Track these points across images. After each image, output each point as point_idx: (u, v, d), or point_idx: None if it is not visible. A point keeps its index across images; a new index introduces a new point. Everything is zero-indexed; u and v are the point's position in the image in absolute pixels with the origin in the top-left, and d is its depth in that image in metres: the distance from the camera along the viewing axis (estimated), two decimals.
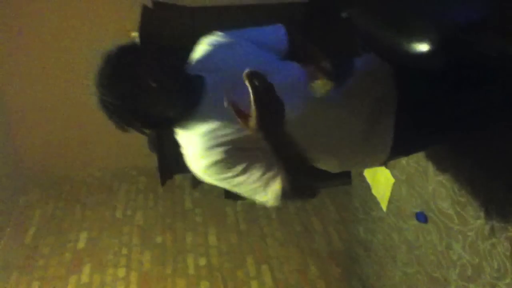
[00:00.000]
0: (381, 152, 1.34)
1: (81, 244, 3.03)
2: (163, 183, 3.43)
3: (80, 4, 3.03)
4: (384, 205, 2.18)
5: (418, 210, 1.88)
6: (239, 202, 3.33)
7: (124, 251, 2.98)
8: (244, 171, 1.19)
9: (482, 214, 1.43)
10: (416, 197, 1.89)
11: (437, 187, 1.71)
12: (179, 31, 2.78)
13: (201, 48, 1.38)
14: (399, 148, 1.33)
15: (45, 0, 3.00)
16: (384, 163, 1.45)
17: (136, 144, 3.44)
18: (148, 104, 1.20)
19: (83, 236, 3.10)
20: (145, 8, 2.87)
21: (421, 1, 1.20)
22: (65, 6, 3.03)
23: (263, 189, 1.20)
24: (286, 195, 1.19)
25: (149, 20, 2.73)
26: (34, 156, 3.55)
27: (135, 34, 2.79)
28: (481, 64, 1.12)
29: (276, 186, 1.18)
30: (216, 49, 1.37)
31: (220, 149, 1.17)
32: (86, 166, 3.66)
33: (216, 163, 1.18)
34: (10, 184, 3.38)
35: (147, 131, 1.33)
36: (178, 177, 3.54)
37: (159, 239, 3.07)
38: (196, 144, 1.20)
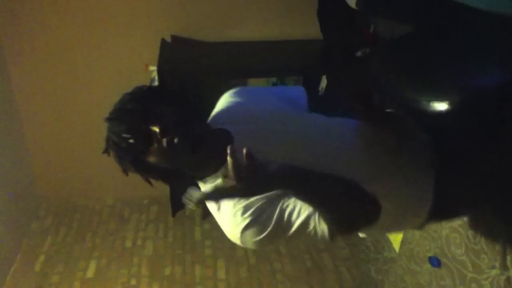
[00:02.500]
0: (418, 215, 1.31)
1: (90, 273, 3.03)
2: (173, 213, 3.45)
3: (99, 36, 3.10)
4: (396, 246, 2.16)
5: (431, 254, 1.87)
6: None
7: (133, 282, 2.97)
8: (279, 223, 1.15)
9: (497, 264, 1.42)
10: (429, 240, 1.87)
11: (450, 232, 1.70)
12: (196, 66, 2.84)
13: (224, 101, 1.39)
14: (439, 208, 1.30)
15: (65, 32, 3.06)
16: (421, 226, 1.41)
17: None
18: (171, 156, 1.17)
19: (93, 265, 3.09)
20: (163, 42, 2.94)
21: (444, 59, 1.22)
22: (84, 38, 3.10)
23: (313, 230, 1.16)
24: (335, 232, 1.14)
25: (167, 54, 2.79)
26: (49, 182, 3.59)
27: (153, 68, 2.85)
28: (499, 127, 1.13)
29: (322, 225, 1.15)
30: (240, 101, 1.37)
31: (249, 212, 1.15)
32: (98, 194, 3.68)
33: (248, 227, 1.15)
34: (23, 209, 3.41)
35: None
36: (188, 209, 3.56)
37: (167, 271, 3.05)
38: (225, 211, 1.19)
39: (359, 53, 2.40)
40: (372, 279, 2.44)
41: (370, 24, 2.52)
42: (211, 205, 1.23)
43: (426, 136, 1.34)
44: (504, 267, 1.36)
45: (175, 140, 1.15)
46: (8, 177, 3.15)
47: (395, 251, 2.16)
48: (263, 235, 1.14)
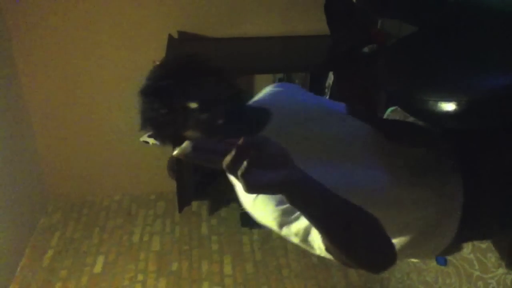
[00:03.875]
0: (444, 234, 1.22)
1: (98, 268, 3.05)
2: (180, 209, 3.46)
3: (107, 33, 3.10)
4: None
5: None
6: (255, 230, 3.33)
7: (140, 277, 2.99)
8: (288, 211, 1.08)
9: (504, 263, 1.41)
10: None
11: None
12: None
13: (269, 89, 1.39)
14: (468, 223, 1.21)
15: (73, 30, 3.07)
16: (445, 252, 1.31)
17: (155, 169, 3.49)
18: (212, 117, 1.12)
19: (100, 260, 3.12)
20: (170, 38, 2.94)
21: (452, 59, 1.20)
22: (92, 36, 3.11)
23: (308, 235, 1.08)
24: (330, 250, 1.02)
25: (174, 50, 2.79)
26: (57, 178, 3.62)
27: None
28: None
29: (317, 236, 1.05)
30: (280, 91, 1.37)
31: None
32: (106, 190, 3.70)
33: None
34: (32, 205, 3.44)
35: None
36: (195, 204, 3.57)
37: (174, 266, 3.07)
38: None
39: (366, 49, 2.39)
40: (378, 276, 2.44)
41: (377, 21, 2.51)
42: None
43: (444, 144, 1.29)
44: (510, 266, 1.35)
45: (215, 116, 1.11)
46: (17, 173, 3.17)
47: None
48: (272, 208, 1.09)
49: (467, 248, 1.63)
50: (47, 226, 3.44)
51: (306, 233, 1.07)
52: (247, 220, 3.33)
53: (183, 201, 3.40)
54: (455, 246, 1.28)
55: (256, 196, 1.10)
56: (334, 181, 0.94)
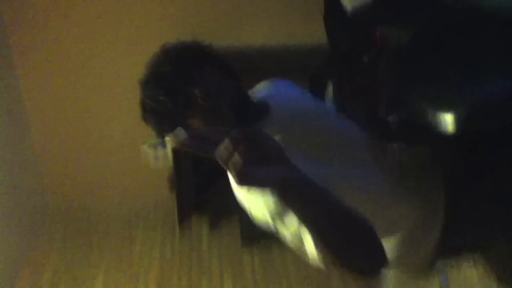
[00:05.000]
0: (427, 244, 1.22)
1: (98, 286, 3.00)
2: (180, 223, 3.40)
3: (105, 39, 3.09)
4: None
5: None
6: (255, 250, 3.23)
7: None
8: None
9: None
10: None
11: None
12: None
13: (265, 84, 1.41)
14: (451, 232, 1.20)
15: (72, 37, 3.06)
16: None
17: (155, 183, 3.43)
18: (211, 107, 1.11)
19: (100, 278, 3.06)
20: None
21: (451, 69, 1.18)
22: (90, 42, 3.09)
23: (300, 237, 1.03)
24: (323, 259, 0.97)
25: None
26: (56, 191, 3.59)
27: None
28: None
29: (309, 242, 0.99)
30: (276, 87, 1.38)
31: None
32: (105, 203, 3.65)
33: None
34: (31, 219, 3.40)
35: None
36: (195, 220, 3.48)
37: (175, 283, 3.01)
38: None
39: (365, 58, 2.31)
40: None
41: (376, 28, 2.44)
42: None
43: (434, 153, 1.27)
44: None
45: (217, 104, 1.11)
46: (18, 189, 3.15)
47: None
48: (268, 197, 1.05)
49: (469, 270, 1.55)
50: (46, 238, 3.39)
51: (299, 229, 1.03)
52: (248, 237, 3.24)
53: (183, 215, 3.35)
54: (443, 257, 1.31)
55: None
56: (327, 178, 0.93)
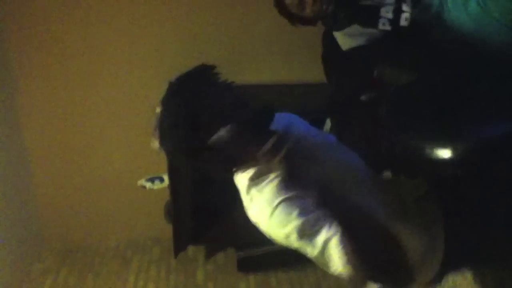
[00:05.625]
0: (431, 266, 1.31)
1: None
2: (176, 254, 3.40)
3: (105, 73, 3.16)
4: None
5: None
6: (252, 277, 3.26)
7: None
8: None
9: None
10: None
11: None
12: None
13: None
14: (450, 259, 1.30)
15: (72, 69, 3.12)
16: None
17: (152, 214, 3.46)
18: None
19: None
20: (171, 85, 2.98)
21: (449, 107, 1.24)
22: (90, 76, 3.16)
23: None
24: (351, 262, 1.11)
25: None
26: (52, 222, 3.57)
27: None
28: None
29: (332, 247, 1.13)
30: (283, 118, 1.44)
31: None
32: (101, 235, 3.65)
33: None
34: (26, 249, 3.38)
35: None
36: (191, 249, 3.51)
37: None
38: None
39: (363, 97, 2.41)
40: None
41: (374, 69, 2.55)
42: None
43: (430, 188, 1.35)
44: None
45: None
46: (12, 216, 3.14)
47: None
48: (294, 217, 1.14)
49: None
50: (40, 271, 3.37)
51: (325, 246, 1.12)
52: (245, 265, 3.28)
53: (179, 246, 3.36)
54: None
55: (277, 205, 1.15)
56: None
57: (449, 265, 1.32)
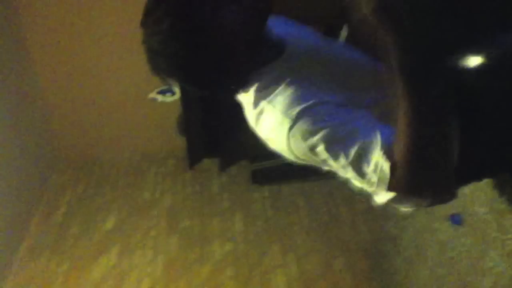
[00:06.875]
0: None
1: (109, 225, 3.08)
2: (191, 166, 3.44)
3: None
4: None
5: (453, 212, 1.82)
6: (266, 188, 3.31)
7: (152, 233, 3.01)
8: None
9: None
10: None
11: (475, 190, 1.65)
12: None
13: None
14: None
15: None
16: None
17: (165, 126, 3.46)
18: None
19: (112, 217, 3.14)
20: None
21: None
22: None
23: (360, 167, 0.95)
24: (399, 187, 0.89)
25: None
26: (68, 137, 3.61)
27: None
28: None
29: (382, 168, 0.91)
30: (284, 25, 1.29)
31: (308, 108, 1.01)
32: (116, 148, 3.69)
33: (303, 124, 1.00)
34: (42, 163, 3.45)
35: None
36: (206, 161, 3.54)
37: (186, 223, 3.08)
38: (275, 107, 1.06)
39: None
40: (391, 234, 2.43)
41: None
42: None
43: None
44: None
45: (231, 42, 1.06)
46: (27, 131, 3.17)
47: None
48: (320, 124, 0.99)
49: (485, 208, 1.58)
50: (58, 183, 3.46)
51: (362, 150, 0.95)
52: (259, 177, 3.32)
53: (194, 158, 3.39)
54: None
55: (297, 115, 1.02)
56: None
57: (466, 176, 1.23)
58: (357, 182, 1.02)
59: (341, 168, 1.01)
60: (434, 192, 0.91)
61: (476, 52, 1.05)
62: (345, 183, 1.11)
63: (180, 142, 3.30)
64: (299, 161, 1.12)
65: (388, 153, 0.91)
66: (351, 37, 2.59)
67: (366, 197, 1.04)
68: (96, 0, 3.07)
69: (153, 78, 1.25)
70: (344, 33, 2.72)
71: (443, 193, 0.93)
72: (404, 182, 0.90)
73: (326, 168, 1.09)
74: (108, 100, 3.45)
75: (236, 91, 1.17)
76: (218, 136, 3.35)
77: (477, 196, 1.64)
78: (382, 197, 0.96)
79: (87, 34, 3.19)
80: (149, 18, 1.06)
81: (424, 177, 0.89)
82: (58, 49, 3.23)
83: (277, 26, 1.21)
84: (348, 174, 1.01)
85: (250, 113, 1.15)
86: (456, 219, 1.79)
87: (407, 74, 0.83)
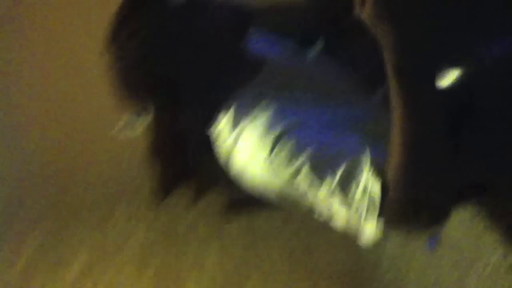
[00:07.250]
0: None
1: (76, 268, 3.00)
2: (163, 197, 3.35)
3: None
4: None
5: (429, 234, 1.79)
6: (243, 215, 3.24)
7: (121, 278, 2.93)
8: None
9: (500, 248, 1.33)
10: None
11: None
12: None
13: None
14: None
15: None
16: None
17: (137, 160, 3.36)
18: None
19: (80, 257, 3.04)
20: None
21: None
22: None
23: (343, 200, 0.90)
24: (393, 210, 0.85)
25: None
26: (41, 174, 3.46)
27: None
28: None
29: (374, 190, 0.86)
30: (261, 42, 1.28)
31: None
32: (85, 182, 3.57)
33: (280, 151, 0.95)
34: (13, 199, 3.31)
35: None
36: (176, 194, 3.45)
37: (157, 261, 3.01)
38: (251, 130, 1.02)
39: None
40: (369, 259, 2.41)
41: None
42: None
43: None
44: (508, 251, 1.27)
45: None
46: None
47: None
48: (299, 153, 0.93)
49: (461, 229, 1.55)
50: (25, 219, 3.28)
51: (350, 168, 0.90)
52: (234, 205, 3.22)
53: (167, 188, 3.30)
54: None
55: (279, 136, 0.96)
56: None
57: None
58: (342, 213, 0.94)
59: (327, 196, 0.93)
60: (430, 211, 0.88)
61: (473, 56, 1.03)
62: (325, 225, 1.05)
63: (147, 177, 3.22)
64: (276, 198, 1.06)
65: (378, 170, 0.86)
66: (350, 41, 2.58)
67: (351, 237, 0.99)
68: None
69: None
70: (319, 45, 2.71)
71: (439, 212, 0.91)
72: (397, 200, 0.85)
73: (304, 205, 1.03)
74: (81, 134, 3.37)
75: (214, 112, 1.11)
76: (192, 159, 3.28)
77: (453, 217, 1.59)
78: (371, 227, 0.89)
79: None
80: (120, 34, 1.05)
81: (420, 194, 0.85)
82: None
83: (255, 42, 1.18)
84: (334, 203, 0.93)
85: (225, 142, 1.10)
86: (432, 242, 1.74)
87: (402, 76, 0.80)
